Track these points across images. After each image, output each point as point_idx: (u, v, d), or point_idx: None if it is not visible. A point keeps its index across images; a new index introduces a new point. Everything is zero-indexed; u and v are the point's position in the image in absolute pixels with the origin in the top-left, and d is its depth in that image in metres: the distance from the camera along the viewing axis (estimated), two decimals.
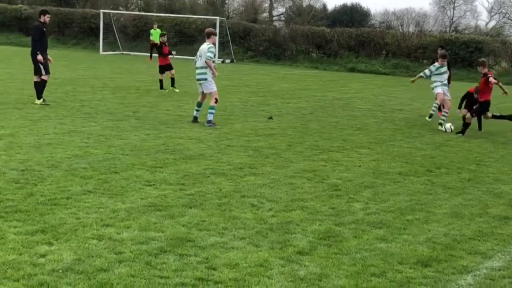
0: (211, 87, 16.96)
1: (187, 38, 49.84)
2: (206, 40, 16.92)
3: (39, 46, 18.39)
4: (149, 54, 42.61)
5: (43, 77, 18.66)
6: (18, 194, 9.23)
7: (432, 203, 10.30)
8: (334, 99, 25.28)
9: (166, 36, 25.75)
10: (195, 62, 17.13)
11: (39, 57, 18.28)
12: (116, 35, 50.22)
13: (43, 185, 9.79)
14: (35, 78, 18.74)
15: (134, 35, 51.49)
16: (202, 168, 11.71)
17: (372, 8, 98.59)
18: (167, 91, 24.00)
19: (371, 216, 9.34)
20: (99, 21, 49.29)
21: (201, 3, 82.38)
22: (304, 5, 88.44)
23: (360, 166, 12.87)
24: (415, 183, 11.65)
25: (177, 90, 24.34)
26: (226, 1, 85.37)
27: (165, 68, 24.69)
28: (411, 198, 10.50)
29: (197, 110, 17.20)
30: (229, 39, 46.43)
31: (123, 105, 19.51)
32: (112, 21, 50.80)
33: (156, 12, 62.03)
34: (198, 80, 17.02)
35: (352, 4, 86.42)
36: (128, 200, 9.31)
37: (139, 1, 78.96)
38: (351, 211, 9.57)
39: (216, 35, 16.87)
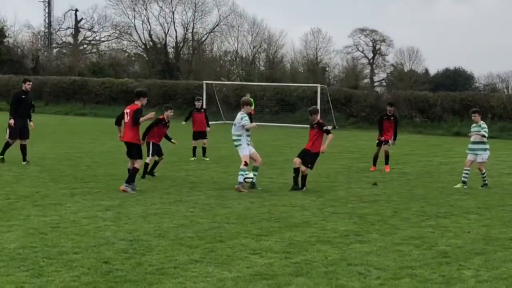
0: (244, 152, 17.13)
1: (288, 106, 50.32)
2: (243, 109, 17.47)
3: (13, 112, 20.82)
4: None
5: (8, 139, 20.84)
6: (127, 264, 9.39)
7: None
8: (440, 164, 24.83)
9: (202, 101, 24.57)
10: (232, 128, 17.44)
11: (11, 121, 20.69)
12: (219, 105, 51.13)
13: (151, 255, 9.94)
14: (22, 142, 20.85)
15: (236, 105, 52.29)
16: (307, 236, 11.64)
17: (476, 71, 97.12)
18: (195, 158, 23.50)
19: (483, 284, 9.03)
20: (202, 92, 50.38)
21: (302, 71, 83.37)
22: (406, 70, 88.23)
23: (469, 232, 12.51)
24: None
25: (207, 159, 23.63)
26: (327, 69, 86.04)
27: (199, 135, 24.17)
28: None
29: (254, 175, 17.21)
30: (330, 106, 46.56)
31: (227, 174, 19.72)
32: (215, 92, 51.79)
33: (257, 81, 62.97)
34: (236, 146, 17.35)
35: (455, 68, 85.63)
36: (234, 269, 9.32)
37: (240, 71, 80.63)
38: (462, 278, 9.28)
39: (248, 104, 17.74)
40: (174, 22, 79.06)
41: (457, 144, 35.24)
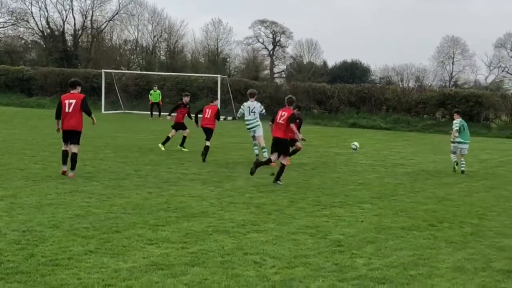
0: (261, 132, 21.57)
1: None
2: (252, 99, 21.56)
3: None
4: (149, 113, 43.60)
5: None
6: (19, 255, 9.20)
7: (435, 257, 10.24)
8: (336, 155, 25.33)
9: (189, 96, 25.83)
10: (242, 115, 21.73)
11: None
12: (118, 94, 50.57)
13: (44, 246, 9.76)
14: None
15: (136, 94, 51.88)
16: (205, 226, 11.68)
17: (372, 64, 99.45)
18: (163, 149, 23.80)
19: (374, 271, 9.28)
20: (101, 80, 49.70)
21: (203, 61, 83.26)
22: (305, 62, 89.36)
23: (362, 221, 12.83)
24: (418, 237, 11.60)
25: (185, 150, 24.22)
26: (228, 59, 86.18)
27: (180, 126, 24.81)
28: (414, 253, 10.45)
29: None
30: (231, 96, 46.74)
31: (125, 164, 19.56)
32: (114, 81, 51.19)
33: (157, 71, 62.52)
34: (253, 127, 21.48)
35: (352, 60, 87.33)
36: (130, 260, 9.26)
37: (141, 61, 79.84)
38: (354, 266, 9.51)
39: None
40: (72, 9, 77.52)
41: (353, 135, 36.01)
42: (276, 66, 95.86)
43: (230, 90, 47.10)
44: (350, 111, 46.89)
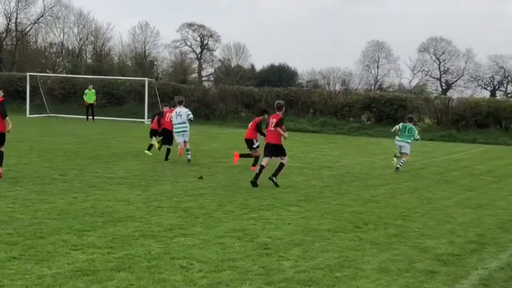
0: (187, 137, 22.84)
1: (115, 99, 49.78)
2: (180, 106, 22.88)
3: None
4: (85, 116, 43.09)
5: None
6: None
7: (360, 259, 10.40)
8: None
9: (169, 107, 25.84)
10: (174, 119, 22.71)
11: None
12: (43, 97, 49.71)
13: None
14: None
15: (61, 97, 51.10)
16: (131, 231, 11.60)
17: (299, 68, 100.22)
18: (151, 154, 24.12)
19: (301, 274, 9.37)
20: (26, 84, 48.80)
21: (130, 64, 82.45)
22: (233, 66, 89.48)
23: (289, 224, 12.93)
24: (344, 239, 11.76)
25: (150, 154, 24.30)
26: (155, 62, 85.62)
27: (156, 132, 25.12)
28: (340, 255, 10.59)
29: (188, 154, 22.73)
30: (158, 99, 46.45)
31: (50, 168, 19.26)
32: (39, 84, 50.32)
33: (84, 74, 61.72)
34: (182, 131, 22.53)
35: (279, 64, 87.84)
36: (55, 266, 9.13)
37: (66, 64, 78.60)
38: (281, 269, 9.58)
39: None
40: None
41: None
42: (204, 70, 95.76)
43: (157, 94, 46.82)
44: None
